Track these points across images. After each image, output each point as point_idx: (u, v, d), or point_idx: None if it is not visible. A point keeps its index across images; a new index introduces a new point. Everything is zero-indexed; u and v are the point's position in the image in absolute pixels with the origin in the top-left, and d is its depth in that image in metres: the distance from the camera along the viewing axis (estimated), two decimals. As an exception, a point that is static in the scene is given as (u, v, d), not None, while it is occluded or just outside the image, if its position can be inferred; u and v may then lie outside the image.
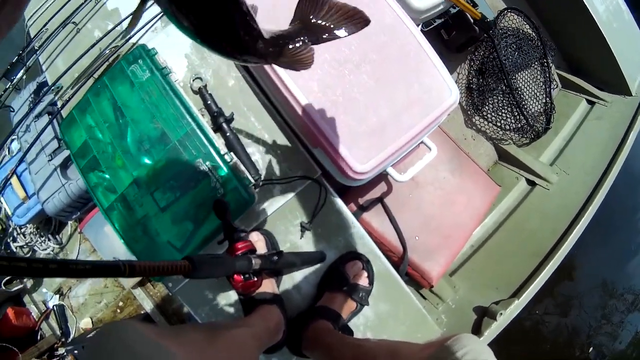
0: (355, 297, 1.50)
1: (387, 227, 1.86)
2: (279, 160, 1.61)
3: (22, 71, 2.12)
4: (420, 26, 1.98)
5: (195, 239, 1.40)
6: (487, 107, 2.48)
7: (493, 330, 1.70)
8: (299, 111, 1.36)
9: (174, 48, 1.67)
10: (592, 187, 2.21)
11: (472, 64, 2.52)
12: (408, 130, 1.39)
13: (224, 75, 1.67)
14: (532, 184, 2.44)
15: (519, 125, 2.43)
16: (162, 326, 2.32)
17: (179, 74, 1.66)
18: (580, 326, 4.17)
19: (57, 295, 2.69)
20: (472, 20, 2.21)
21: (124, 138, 1.48)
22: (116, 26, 1.81)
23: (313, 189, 1.61)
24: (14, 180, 2.40)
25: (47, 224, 2.71)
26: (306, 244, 1.60)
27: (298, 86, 1.35)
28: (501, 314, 1.71)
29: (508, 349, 3.73)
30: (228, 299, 1.53)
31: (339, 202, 1.64)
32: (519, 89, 2.39)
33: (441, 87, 1.44)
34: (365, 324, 1.60)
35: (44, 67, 1.97)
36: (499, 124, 2.48)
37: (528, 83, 2.47)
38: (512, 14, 2.43)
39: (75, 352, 2.30)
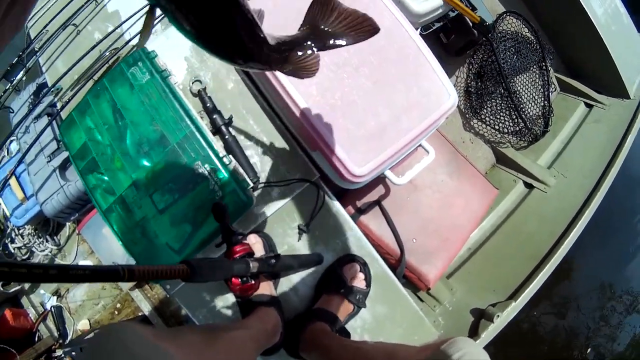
0: (352, 299, 1.51)
1: (385, 230, 1.87)
2: (278, 163, 1.61)
3: (22, 72, 2.13)
4: (419, 30, 1.99)
5: (193, 241, 1.40)
6: (485, 111, 2.49)
7: (490, 332, 1.70)
8: (298, 114, 1.36)
9: (174, 51, 1.67)
10: (589, 190, 2.21)
11: (470, 67, 2.53)
12: (406, 133, 1.39)
13: (223, 78, 1.67)
14: (529, 186, 2.44)
15: (517, 129, 2.43)
16: (160, 328, 2.32)
17: (178, 77, 1.66)
18: (578, 328, 4.17)
19: (55, 297, 2.69)
20: (470, 24, 2.21)
21: (123, 140, 1.48)
22: (116, 28, 1.82)
23: (311, 192, 1.61)
24: (12, 181, 2.39)
25: (46, 225, 2.71)
26: (304, 246, 1.61)
27: (297, 89, 1.36)
28: (498, 316, 1.71)
29: (506, 351, 3.73)
30: (226, 301, 1.53)
31: (336, 204, 1.64)
32: (518, 92, 2.39)
33: (439, 90, 1.45)
34: (363, 326, 1.61)
35: (43, 69, 1.98)
36: (497, 127, 2.49)
37: (526, 86, 2.48)
38: (510, 17, 2.43)
39: (73, 353, 2.30)
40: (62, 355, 2.37)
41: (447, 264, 1.94)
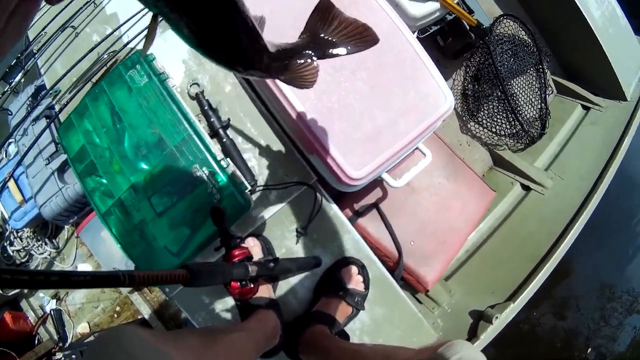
0: (351, 301, 1.51)
1: (383, 233, 1.87)
2: (275, 166, 1.62)
3: (20, 74, 2.13)
4: (416, 33, 1.99)
5: (191, 244, 1.40)
6: (482, 113, 2.49)
7: (489, 333, 1.71)
8: (295, 117, 1.36)
9: (172, 54, 1.68)
10: (587, 192, 2.22)
11: (467, 70, 2.53)
12: (403, 136, 1.40)
13: (220, 82, 1.68)
14: (527, 189, 2.45)
15: (514, 131, 2.44)
16: (159, 331, 2.32)
17: (176, 80, 1.67)
18: (578, 328, 4.17)
19: (54, 300, 2.69)
20: (468, 27, 2.22)
21: (121, 143, 1.48)
22: (114, 31, 1.82)
23: (309, 195, 1.62)
24: (11, 183, 2.39)
25: (44, 228, 2.71)
26: (302, 249, 1.61)
27: (294, 93, 1.36)
28: (497, 317, 1.72)
29: (506, 352, 3.74)
30: (225, 303, 1.54)
31: (334, 207, 1.65)
32: (515, 94, 2.40)
33: (436, 93, 1.45)
34: (362, 328, 1.61)
35: (42, 71, 1.98)
36: (494, 130, 2.49)
37: (523, 89, 2.48)
38: (508, 20, 2.44)
39: (73, 356, 2.29)
40: (62, 359, 2.37)
41: (445, 266, 1.95)
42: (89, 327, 2.63)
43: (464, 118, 2.56)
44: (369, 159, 1.37)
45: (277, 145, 1.63)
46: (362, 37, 0.78)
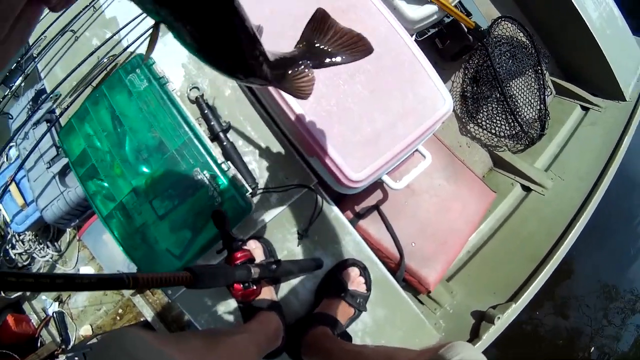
0: (352, 303, 1.52)
1: (384, 234, 1.88)
2: (276, 169, 1.62)
3: (20, 78, 2.13)
4: (414, 36, 2.00)
5: (193, 247, 1.41)
6: (481, 115, 2.50)
7: (491, 334, 1.71)
8: (295, 121, 1.37)
9: (171, 58, 1.68)
10: (587, 192, 2.22)
11: (466, 72, 2.54)
12: (402, 139, 1.40)
13: (220, 85, 1.68)
14: (527, 189, 2.45)
15: (514, 132, 2.44)
16: (162, 333, 2.33)
17: (176, 84, 1.67)
18: (581, 328, 4.17)
19: (57, 303, 2.69)
20: (466, 29, 2.23)
21: (122, 147, 1.49)
22: (114, 35, 1.83)
23: (309, 197, 1.62)
24: (12, 187, 2.40)
25: (46, 231, 2.71)
26: (303, 251, 1.61)
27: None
28: (499, 318, 1.72)
29: (508, 353, 3.74)
30: (227, 306, 1.54)
31: (335, 209, 1.65)
32: (514, 96, 2.41)
33: (435, 96, 1.46)
34: (364, 329, 1.62)
35: (42, 75, 1.98)
36: (493, 131, 2.50)
37: (522, 90, 2.49)
38: (505, 22, 2.45)
39: (76, 359, 2.30)
40: (65, 361, 2.37)
41: (447, 267, 1.95)
42: (92, 329, 2.63)
43: (464, 120, 2.56)
44: (369, 161, 1.37)
45: (277, 148, 1.64)
46: (357, 47, 0.79)
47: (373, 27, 1.48)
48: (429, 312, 1.99)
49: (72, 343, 2.59)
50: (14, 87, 2.17)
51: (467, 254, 2.28)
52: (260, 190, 1.58)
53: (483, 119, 2.50)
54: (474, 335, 1.76)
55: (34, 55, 2.01)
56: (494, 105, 2.42)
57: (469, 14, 2.13)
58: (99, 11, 1.95)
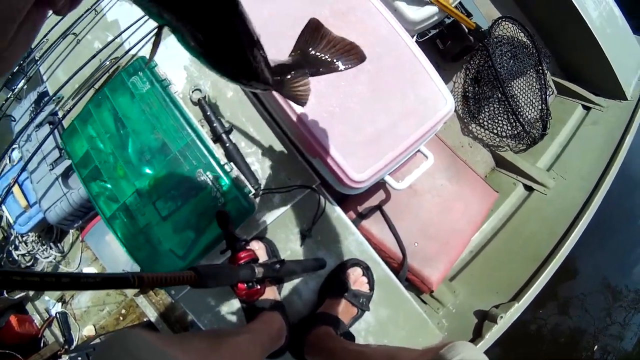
0: (355, 302, 1.52)
1: (386, 234, 1.88)
2: (278, 170, 1.63)
3: (22, 81, 2.14)
4: (415, 37, 2.00)
5: (197, 247, 1.41)
6: (483, 115, 2.50)
7: (494, 333, 1.72)
8: (297, 122, 1.37)
9: (173, 60, 1.69)
10: (589, 191, 2.22)
11: (467, 72, 2.54)
12: (404, 139, 1.40)
13: (222, 87, 1.69)
14: (529, 189, 2.45)
15: (516, 132, 2.44)
16: (165, 334, 2.33)
17: (178, 86, 1.68)
18: (584, 327, 4.17)
19: (60, 303, 2.70)
20: (466, 30, 2.23)
21: (125, 148, 1.50)
22: (116, 38, 1.83)
23: (312, 198, 1.63)
24: (15, 189, 2.41)
25: (49, 232, 2.72)
26: (306, 251, 1.62)
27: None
28: (501, 317, 1.73)
29: (511, 352, 3.74)
30: (231, 306, 1.55)
31: (337, 210, 1.66)
32: (515, 96, 2.41)
33: (436, 96, 1.46)
34: (367, 329, 1.62)
35: (44, 77, 1.98)
36: (495, 131, 2.50)
37: (524, 90, 2.49)
38: (506, 22, 2.45)
39: (79, 359, 2.30)
40: (68, 361, 2.38)
41: (449, 267, 1.95)
42: (95, 329, 2.64)
43: (465, 120, 2.57)
44: (371, 162, 1.37)
45: (279, 149, 1.64)
46: (350, 55, 0.80)
47: (373, 28, 1.48)
48: (431, 311, 1.99)
49: (75, 343, 2.60)
50: (16, 90, 2.18)
51: (469, 254, 2.28)
52: (263, 191, 1.59)
53: (485, 119, 2.50)
54: (477, 335, 1.77)
55: (36, 58, 2.01)
56: (495, 106, 2.42)
57: (469, 15, 2.14)
58: (100, 14, 1.95)
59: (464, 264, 2.23)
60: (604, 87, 2.67)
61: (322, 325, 1.43)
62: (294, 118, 1.38)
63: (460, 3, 2.10)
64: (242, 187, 1.43)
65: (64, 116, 1.83)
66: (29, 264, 2.72)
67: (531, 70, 2.53)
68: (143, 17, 1.78)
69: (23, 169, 2.08)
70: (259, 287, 1.21)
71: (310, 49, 0.77)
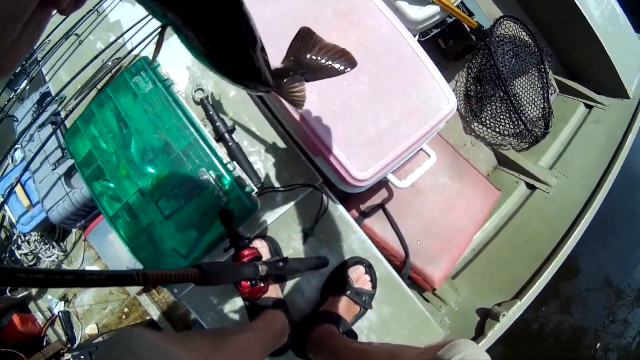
0: (358, 300, 1.53)
1: (389, 233, 1.88)
2: (281, 169, 1.63)
3: (25, 81, 2.15)
4: (417, 36, 2.00)
5: (199, 246, 1.42)
6: (485, 114, 2.50)
7: (496, 331, 1.72)
8: (299, 121, 1.38)
9: (176, 60, 1.69)
10: (591, 190, 2.22)
11: (469, 71, 2.54)
12: (406, 138, 1.41)
13: (225, 87, 1.69)
14: (531, 187, 2.45)
15: (518, 131, 2.44)
16: (168, 332, 2.34)
17: (180, 86, 1.68)
18: (586, 325, 4.17)
19: (63, 302, 2.70)
20: (468, 29, 2.23)
21: (128, 148, 1.50)
22: (118, 38, 1.83)
23: (315, 196, 1.63)
24: (18, 188, 2.41)
25: (52, 231, 2.72)
26: (309, 250, 1.62)
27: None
28: (504, 315, 1.73)
29: (514, 350, 3.74)
30: (233, 304, 1.55)
31: (340, 208, 1.66)
32: (517, 95, 2.41)
33: (438, 95, 1.46)
34: (369, 327, 1.62)
35: (47, 78, 1.98)
36: (497, 130, 2.50)
37: (526, 89, 2.49)
38: (508, 21, 2.45)
39: (82, 357, 2.31)
40: (71, 359, 2.38)
41: (452, 265, 1.96)
42: (97, 328, 2.64)
43: (468, 119, 2.57)
44: (373, 160, 1.38)
45: (282, 148, 1.65)
46: (341, 61, 0.81)
47: (376, 28, 1.49)
48: (434, 309, 2.00)
49: (77, 342, 2.60)
50: (18, 90, 2.18)
51: (472, 252, 2.28)
52: (266, 190, 1.59)
53: (487, 117, 2.50)
54: (479, 333, 1.77)
55: (38, 58, 2.01)
56: (497, 104, 2.42)
57: (471, 14, 2.14)
58: (102, 15, 1.96)
59: (466, 262, 2.24)
60: (606, 85, 2.67)
61: (324, 324, 1.43)
62: (297, 117, 1.38)
63: (462, 2, 2.10)
64: (245, 186, 1.43)
65: (66, 116, 1.83)
66: (31, 264, 2.72)
67: (533, 69, 2.53)
68: (145, 17, 1.79)
69: (26, 168, 2.09)
70: (262, 285, 1.22)
71: (302, 56, 0.77)
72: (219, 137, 1.60)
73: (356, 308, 1.54)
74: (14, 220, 2.50)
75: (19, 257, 2.69)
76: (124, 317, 2.66)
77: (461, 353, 0.81)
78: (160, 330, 2.37)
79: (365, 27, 1.48)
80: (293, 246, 1.61)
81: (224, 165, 1.43)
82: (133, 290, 2.54)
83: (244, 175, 1.47)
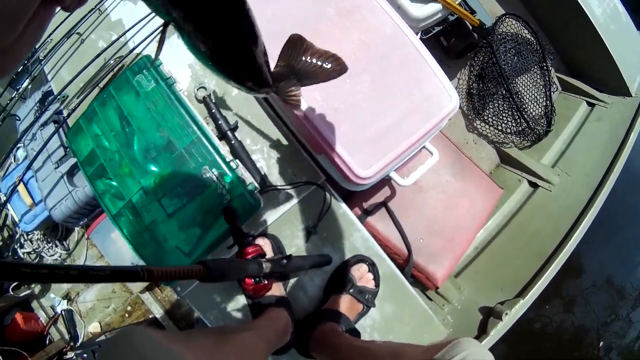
0: (361, 298, 1.52)
1: (392, 231, 1.88)
2: (284, 167, 1.63)
3: (27, 80, 2.15)
4: (419, 34, 2.00)
5: (202, 244, 1.42)
6: (487, 112, 2.50)
7: (499, 330, 1.72)
8: (302, 119, 1.38)
9: (178, 58, 1.69)
10: (594, 188, 2.22)
11: (472, 69, 2.54)
12: (409, 136, 1.41)
13: (227, 85, 1.69)
14: (534, 185, 2.45)
15: (520, 129, 2.44)
16: (171, 331, 2.34)
17: (183, 84, 1.68)
18: (589, 324, 4.17)
19: (65, 301, 2.71)
20: (470, 27, 2.23)
21: (130, 146, 1.50)
22: (120, 37, 1.83)
23: (317, 194, 1.63)
24: (20, 187, 2.42)
25: (54, 230, 2.73)
26: (312, 248, 1.62)
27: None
28: (506, 313, 1.73)
29: (517, 348, 3.74)
30: (236, 302, 1.55)
31: (343, 206, 1.66)
32: (519, 92, 2.41)
33: (441, 93, 1.46)
34: (372, 325, 1.62)
35: (49, 77, 1.99)
36: (500, 128, 2.50)
37: (528, 87, 2.49)
38: (510, 19, 2.45)
39: (84, 355, 2.31)
40: (74, 358, 2.39)
41: (455, 263, 1.95)
42: (100, 326, 2.65)
43: (470, 117, 2.57)
44: (376, 158, 1.38)
45: (285, 146, 1.65)
46: (332, 67, 0.81)
47: (378, 26, 1.49)
48: (437, 308, 2.00)
49: (80, 340, 2.61)
50: (21, 89, 2.19)
51: (474, 250, 2.28)
52: (269, 188, 1.59)
53: (489, 115, 2.50)
54: (482, 331, 1.77)
55: (40, 57, 2.02)
56: (500, 102, 2.42)
57: (473, 12, 2.13)
58: (104, 14, 1.96)
59: (469, 261, 2.24)
60: (608, 83, 2.67)
61: (327, 322, 1.43)
62: (300, 115, 1.38)
63: (463, 0, 2.10)
64: (248, 184, 1.43)
65: (68, 115, 1.83)
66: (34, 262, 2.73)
67: (535, 67, 2.53)
68: (147, 16, 1.79)
69: (28, 167, 2.09)
70: (266, 282, 1.22)
71: (293, 62, 0.78)
72: (222, 135, 1.60)
73: (359, 306, 1.54)
74: (16, 219, 2.50)
75: (22, 255, 2.70)
76: (126, 315, 2.66)
77: (464, 352, 0.81)
78: (163, 329, 2.38)
79: (367, 25, 1.48)
80: (296, 244, 1.61)
81: (227, 163, 1.43)
82: (136, 288, 2.55)
83: (246, 173, 1.47)
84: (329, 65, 0.81)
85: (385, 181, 1.86)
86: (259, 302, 1.41)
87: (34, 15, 0.43)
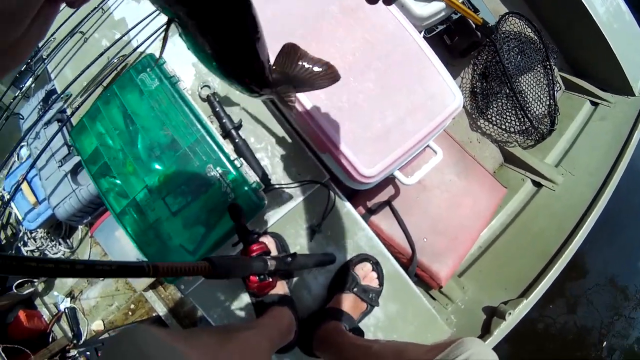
0: (365, 298, 1.53)
1: (396, 230, 1.88)
2: (288, 165, 1.63)
3: (30, 79, 2.15)
4: (423, 32, 2.00)
5: (207, 242, 1.42)
6: (491, 111, 2.50)
7: (502, 329, 1.71)
8: (306, 118, 1.38)
9: (182, 57, 1.69)
10: (598, 187, 2.22)
11: (475, 68, 2.54)
12: (413, 135, 1.41)
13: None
14: (538, 185, 2.45)
15: (524, 128, 2.44)
16: (174, 329, 2.34)
17: (187, 82, 1.69)
18: (593, 324, 4.16)
19: (69, 298, 2.72)
20: (474, 26, 2.23)
21: (134, 145, 1.50)
22: (123, 35, 1.84)
23: (322, 193, 1.63)
24: (24, 186, 2.42)
25: (58, 228, 2.73)
26: (316, 246, 1.62)
27: (304, 94, 1.38)
28: (510, 313, 1.73)
29: (520, 348, 3.74)
30: (240, 301, 1.55)
31: (347, 205, 1.66)
32: (523, 91, 2.40)
33: (445, 92, 1.46)
34: (376, 324, 1.62)
35: (52, 76, 1.99)
36: (503, 127, 2.50)
37: (531, 86, 2.49)
38: (513, 18, 2.45)
39: (87, 353, 2.31)
40: (77, 355, 2.39)
41: (458, 263, 1.96)
42: (104, 324, 2.65)
43: (474, 116, 2.57)
44: (380, 157, 1.38)
45: (289, 145, 1.65)
46: (326, 74, 0.82)
47: (381, 24, 1.49)
48: (440, 307, 2.00)
49: (83, 338, 2.61)
50: (24, 88, 2.18)
51: (478, 250, 2.28)
52: (273, 186, 1.59)
53: (493, 114, 2.50)
54: (486, 331, 1.76)
55: (44, 56, 2.02)
56: (503, 101, 2.42)
57: (476, 11, 2.13)
58: (107, 12, 1.96)
59: (472, 260, 2.23)
60: (611, 82, 2.66)
61: (331, 321, 1.43)
62: (304, 114, 1.38)
63: (466, -1, 2.11)
64: (252, 183, 1.43)
65: (72, 113, 1.83)
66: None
67: (539, 66, 2.52)
68: (150, 14, 1.79)
69: (32, 166, 2.09)
70: (270, 280, 1.22)
71: (287, 70, 0.78)
72: (226, 134, 1.60)
73: (363, 305, 1.54)
74: (20, 217, 2.51)
75: (26, 253, 2.70)
76: (130, 313, 2.67)
77: (468, 351, 0.81)
78: (167, 327, 2.38)
79: (371, 24, 1.48)
80: (300, 243, 1.61)
81: (231, 162, 1.43)
82: (139, 286, 2.55)
83: (251, 172, 1.47)
84: (323, 74, 0.81)
85: (389, 180, 1.86)
86: (262, 300, 1.41)
87: (40, 11, 0.42)
